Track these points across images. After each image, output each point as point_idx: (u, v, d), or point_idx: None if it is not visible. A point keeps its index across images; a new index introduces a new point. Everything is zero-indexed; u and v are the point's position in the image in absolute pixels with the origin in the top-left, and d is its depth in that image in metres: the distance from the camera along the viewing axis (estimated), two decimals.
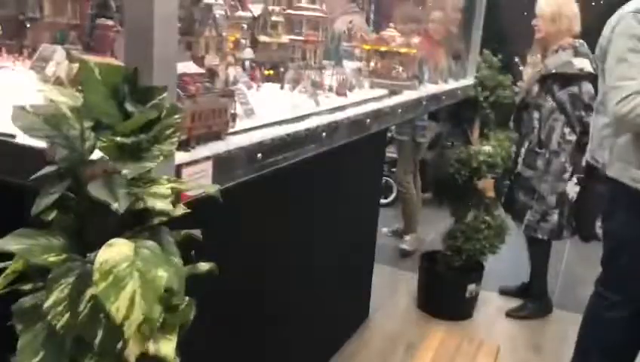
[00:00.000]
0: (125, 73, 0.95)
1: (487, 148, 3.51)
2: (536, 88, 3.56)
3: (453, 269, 3.67)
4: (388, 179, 5.46)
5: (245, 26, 1.99)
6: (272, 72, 2.11)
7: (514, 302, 3.96)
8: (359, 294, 3.52)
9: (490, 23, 3.77)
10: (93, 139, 0.92)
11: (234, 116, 1.27)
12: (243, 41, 1.97)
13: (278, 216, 2.20)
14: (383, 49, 2.67)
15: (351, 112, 1.88)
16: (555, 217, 3.58)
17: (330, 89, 2.15)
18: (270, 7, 2.11)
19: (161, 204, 0.86)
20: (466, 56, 3.54)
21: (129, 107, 0.95)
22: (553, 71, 3.46)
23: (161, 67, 0.98)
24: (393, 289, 4.08)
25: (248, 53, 1.98)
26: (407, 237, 4.61)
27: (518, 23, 5.31)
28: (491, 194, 3.72)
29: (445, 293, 3.77)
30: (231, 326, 2.04)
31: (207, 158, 1.14)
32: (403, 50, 2.68)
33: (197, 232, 1.00)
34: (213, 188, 0.98)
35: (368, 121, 1.97)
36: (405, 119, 2.49)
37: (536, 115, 3.56)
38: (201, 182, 1.12)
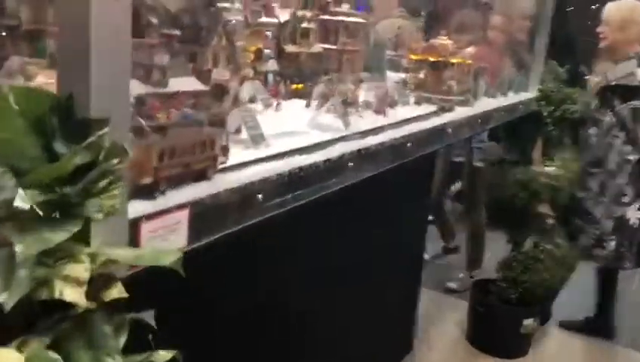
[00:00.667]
0: (54, 101, 0.71)
1: (550, 169, 3.14)
2: (595, 101, 3.19)
3: (507, 302, 3.30)
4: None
5: (269, 33, 1.74)
6: (300, 86, 1.85)
7: (576, 339, 3.56)
8: (402, 324, 3.22)
9: (556, 31, 3.40)
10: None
11: (225, 149, 1.02)
12: (267, 51, 1.72)
13: (310, 244, 1.94)
14: (432, 59, 2.37)
15: (387, 136, 1.60)
16: (612, 244, 3.22)
17: (367, 106, 1.87)
18: (300, 13, 1.84)
19: (71, 293, 0.60)
20: (528, 66, 3.18)
21: (59, 148, 0.71)
22: (613, 82, 3.09)
23: (104, 89, 0.73)
24: (440, 318, 3.75)
25: (272, 65, 1.72)
26: (462, 275, 4.10)
27: (585, 32, 4.92)
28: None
29: (498, 327, 3.41)
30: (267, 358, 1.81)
31: (182, 207, 0.88)
32: (456, 60, 2.37)
33: (148, 315, 0.74)
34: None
35: (409, 145, 1.68)
36: (456, 140, 2.17)
37: (593, 130, 3.19)
38: (172, 238, 0.87)
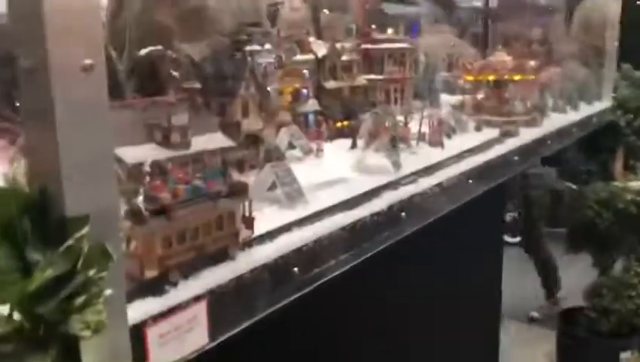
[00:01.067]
0: (24, 200, 0.59)
1: (635, 183, 2.83)
2: None
3: (599, 334, 2.98)
4: (516, 215, 4.76)
5: (307, 72, 1.60)
6: (345, 123, 1.70)
7: None
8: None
9: (628, 32, 3.08)
10: None
11: (249, 220, 0.88)
12: (304, 91, 1.58)
13: (380, 283, 1.77)
14: (491, 78, 2.17)
15: (445, 174, 1.42)
16: None
17: (421, 138, 1.69)
18: (339, 45, 1.70)
19: None
20: (599, 73, 2.90)
21: (32, 255, 0.59)
22: None
23: (81, 178, 0.60)
24: (527, 351, 3.46)
25: (312, 105, 1.59)
26: (544, 304, 3.86)
27: None
28: None
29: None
30: None
31: (198, 299, 0.74)
32: (517, 77, 2.16)
33: None
34: None
35: (470, 182, 1.49)
36: (525, 168, 1.95)
37: None
38: (189, 338, 0.73)
